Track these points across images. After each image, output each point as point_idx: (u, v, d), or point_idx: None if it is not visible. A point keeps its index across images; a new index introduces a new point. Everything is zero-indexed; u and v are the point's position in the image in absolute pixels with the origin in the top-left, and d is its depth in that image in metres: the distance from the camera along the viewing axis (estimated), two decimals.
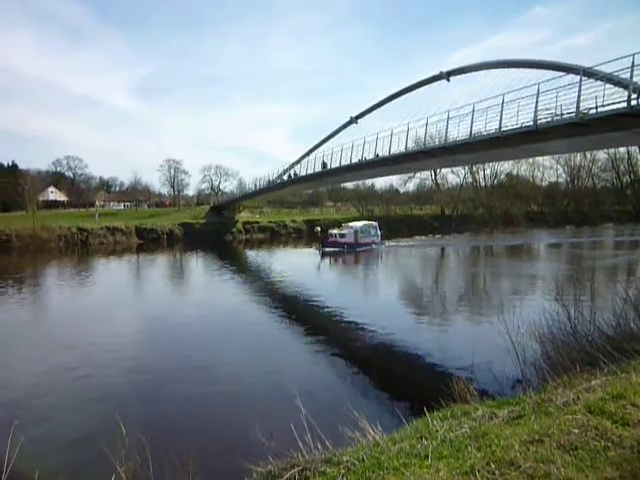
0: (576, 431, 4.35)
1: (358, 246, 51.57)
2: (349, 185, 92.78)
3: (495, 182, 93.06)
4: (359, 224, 55.86)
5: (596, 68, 19.40)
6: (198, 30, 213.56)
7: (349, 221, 59.76)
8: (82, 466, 8.14)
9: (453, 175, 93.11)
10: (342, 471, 4.30)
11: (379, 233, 55.92)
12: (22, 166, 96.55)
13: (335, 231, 53.68)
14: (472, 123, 24.43)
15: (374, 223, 57.70)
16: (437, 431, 5.09)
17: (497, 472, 3.71)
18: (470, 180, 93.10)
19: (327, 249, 50.63)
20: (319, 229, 60.20)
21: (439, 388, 7.34)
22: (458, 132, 25.84)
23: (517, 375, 9.73)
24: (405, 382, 13.41)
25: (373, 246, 53.28)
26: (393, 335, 17.88)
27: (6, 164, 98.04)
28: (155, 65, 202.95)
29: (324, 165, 47.88)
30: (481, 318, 20.82)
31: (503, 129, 22.24)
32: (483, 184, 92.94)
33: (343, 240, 51.45)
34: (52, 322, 22.29)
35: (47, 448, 9.24)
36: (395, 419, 7.22)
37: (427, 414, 5.87)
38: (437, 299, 27.06)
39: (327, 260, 46.73)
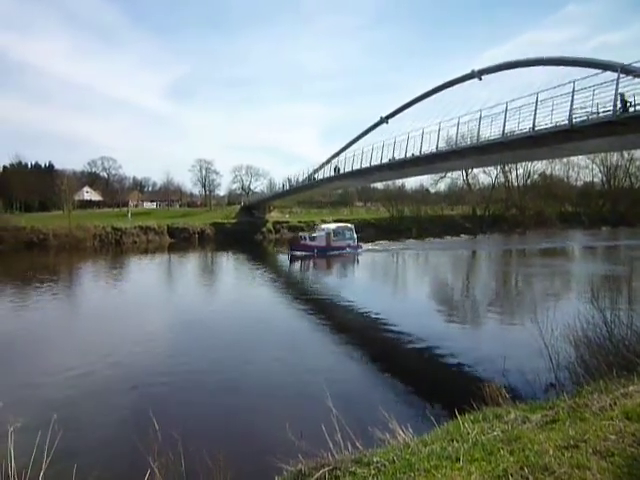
0: (613, 437, 4.26)
1: (330, 250, 48.67)
2: (379, 185, 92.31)
3: (528, 182, 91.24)
4: (332, 226, 53.34)
5: (635, 65, 18.94)
6: (230, 32, 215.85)
7: (380, 222, 58.51)
8: (118, 460, 8.31)
9: (485, 175, 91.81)
10: (372, 472, 4.29)
11: (355, 236, 52.56)
12: (58, 166, 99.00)
13: (305, 234, 51.48)
14: (505, 122, 24.10)
15: (350, 225, 54.70)
16: (468, 434, 5.03)
17: (531, 477, 3.65)
18: (502, 180, 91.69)
19: (296, 253, 48.06)
20: (287, 231, 57.02)
21: (470, 390, 7.26)
22: (490, 131, 25.55)
23: (550, 379, 9.55)
24: (435, 384, 13.29)
25: (347, 250, 50.03)
26: (423, 337, 17.75)
27: (43, 164, 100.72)
28: (187, 67, 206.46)
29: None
30: (513, 321, 20.53)
31: (537, 128, 21.88)
32: (516, 184, 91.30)
33: (314, 243, 48.62)
34: (88, 319, 22.80)
35: (85, 442, 9.48)
36: (425, 421, 7.18)
37: (458, 416, 5.81)
38: (467, 303, 26.76)
39: (296, 265, 44.18)
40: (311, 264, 44.16)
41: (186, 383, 13.38)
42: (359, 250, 51.16)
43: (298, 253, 47.94)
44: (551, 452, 4.03)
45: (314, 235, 49.95)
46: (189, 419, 10.08)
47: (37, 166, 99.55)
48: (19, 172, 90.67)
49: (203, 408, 11.59)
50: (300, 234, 51.94)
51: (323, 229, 51.56)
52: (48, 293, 28.62)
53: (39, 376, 14.02)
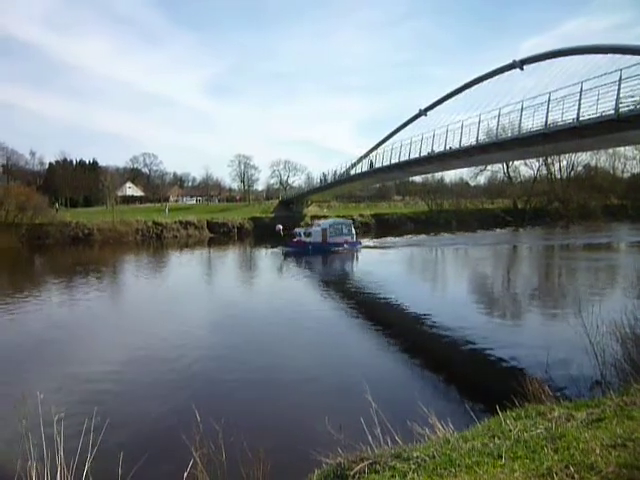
0: None
1: (327, 246, 46.57)
2: (417, 178, 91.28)
3: (572, 174, 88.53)
4: (329, 222, 51.17)
5: None
6: (267, 28, 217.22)
7: (419, 216, 57.20)
8: (162, 449, 8.50)
9: (526, 167, 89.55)
10: (412, 466, 4.26)
11: (354, 232, 49.89)
12: (102, 163, 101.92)
13: (301, 229, 49.70)
14: (547, 113, 23.54)
15: (348, 221, 52.60)
16: (510, 431, 4.96)
17: (576, 476, 3.56)
18: (544, 172, 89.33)
19: (290, 250, 46.55)
20: (281, 227, 54.00)
21: (511, 386, 7.13)
22: (532, 123, 24.98)
23: (596, 376, 9.30)
24: (475, 379, 13.13)
25: (345, 246, 47.13)
26: (463, 331, 17.52)
27: (87, 161, 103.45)
28: (225, 63, 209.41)
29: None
30: (556, 317, 20.07)
31: (581, 118, 21.27)
32: (558, 176, 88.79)
33: (309, 240, 46.80)
34: (133, 310, 23.48)
35: (130, 430, 9.77)
36: (465, 417, 7.08)
37: (499, 413, 5.73)
38: (508, 298, 26.29)
39: (289, 262, 42.16)
40: (304, 261, 42.05)
41: (226, 375, 13.59)
42: (358, 247, 48.77)
43: (292, 250, 46.38)
44: (598, 451, 3.93)
45: (309, 231, 48.23)
46: (230, 411, 10.22)
47: (81, 163, 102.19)
48: (64, 169, 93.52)
49: (243, 400, 11.75)
50: (296, 230, 50.03)
51: (319, 225, 49.58)
52: (95, 286, 29.59)
53: (86, 365, 14.52)
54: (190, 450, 4.72)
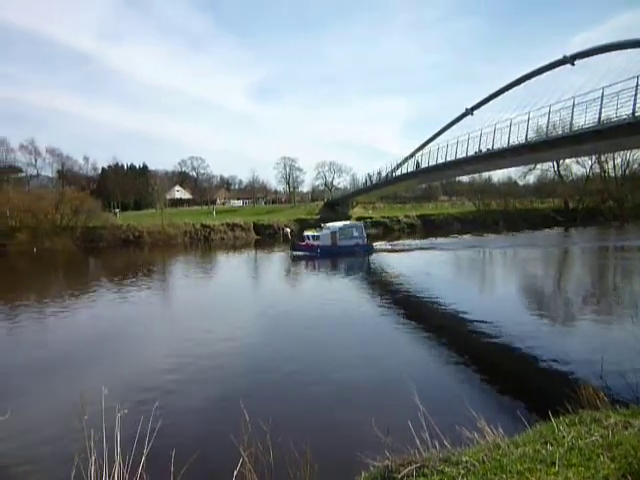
0: None
1: (336, 249, 45.50)
2: (464, 178, 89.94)
3: (627, 172, 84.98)
4: (338, 224, 49.56)
5: None
6: (313, 32, 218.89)
7: (466, 216, 55.86)
8: (212, 447, 8.65)
9: (578, 165, 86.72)
10: (462, 471, 4.20)
11: (365, 235, 48.68)
12: (151, 167, 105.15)
13: (309, 232, 48.34)
14: (601, 109, 22.75)
15: (359, 223, 51.51)
16: (564, 437, 4.81)
17: None
18: (598, 170, 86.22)
19: (297, 253, 45.63)
20: (289, 230, 52.58)
21: (563, 392, 6.93)
22: (585, 120, 24.18)
23: None
24: (526, 384, 12.80)
25: (356, 249, 45.95)
26: (512, 335, 17.11)
27: (137, 166, 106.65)
28: (270, 67, 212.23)
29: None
30: (611, 322, 19.38)
31: (637, 114, 20.46)
32: (613, 174, 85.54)
33: (317, 243, 45.76)
34: (184, 311, 23.90)
35: (182, 429, 10.02)
36: (516, 422, 6.93)
37: (552, 419, 5.57)
38: (560, 302, 25.55)
39: (298, 266, 41.37)
40: (310, 266, 40.96)
41: (274, 374, 13.69)
42: (369, 250, 47.39)
43: (300, 253, 45.55)
44: None
45: (318, 234, 47.15)
46: (277, 410, 10.29)
47: (132, 167, 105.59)
48: (116, 173, 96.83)
49: (291, 401, 11.83)
50: (305, 233, 49.13)
51: (328, 227, 48.45)
52: (148, 286, 30.47)
53: (140, 363, 15.01)
54: (239, 449, 4.78)
